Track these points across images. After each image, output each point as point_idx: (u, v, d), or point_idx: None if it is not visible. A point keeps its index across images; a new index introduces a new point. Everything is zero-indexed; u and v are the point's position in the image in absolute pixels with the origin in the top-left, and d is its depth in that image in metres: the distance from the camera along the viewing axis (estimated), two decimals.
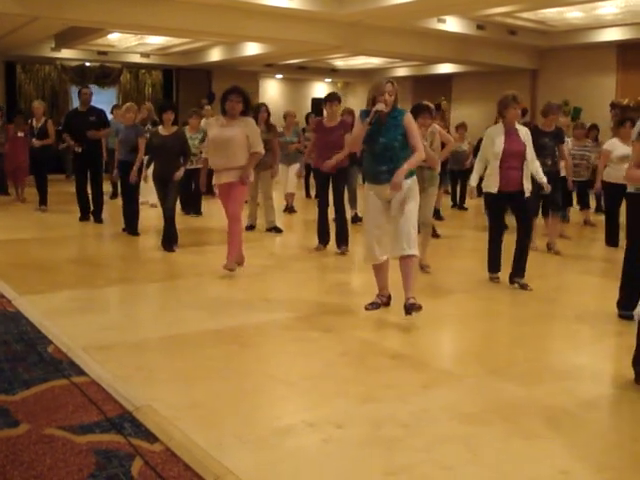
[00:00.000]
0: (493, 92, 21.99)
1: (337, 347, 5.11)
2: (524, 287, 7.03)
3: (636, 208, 5.79)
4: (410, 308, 5.66)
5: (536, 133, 7.82)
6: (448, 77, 23.94)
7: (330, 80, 28.56)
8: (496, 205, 7.12)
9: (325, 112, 8.93)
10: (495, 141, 6.93)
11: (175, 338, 5.27)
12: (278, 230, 10.41)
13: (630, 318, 5.56)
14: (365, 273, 6.67)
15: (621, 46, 19.04)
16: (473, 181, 7.32)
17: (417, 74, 24.86)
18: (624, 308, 5.87)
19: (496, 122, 11.49)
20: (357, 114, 5.90)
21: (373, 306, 6.02)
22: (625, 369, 5.02)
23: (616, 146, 9.71)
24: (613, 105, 18.86)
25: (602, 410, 4.14)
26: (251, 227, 10.41)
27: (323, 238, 9.06)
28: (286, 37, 16.66)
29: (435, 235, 9.56)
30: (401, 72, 25.33)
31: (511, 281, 7.15)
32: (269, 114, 10.38)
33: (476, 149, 11.11)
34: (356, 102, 27.81)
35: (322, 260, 8.67)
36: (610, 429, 3.85)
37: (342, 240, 8.85)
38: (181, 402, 4.02)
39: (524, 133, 7.04)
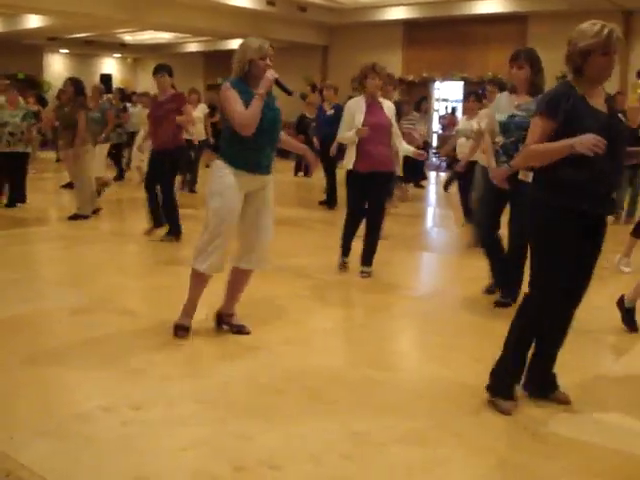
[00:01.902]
0: (285, 68, 22.37)
1: (133, 328, 4.99)
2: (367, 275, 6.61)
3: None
4: (242, 330, 4.88)
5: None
6: None
7: (119, 55, 27.74)
8: (361, 185, 6.50)
9: (156, 85, 8.30)
10: (355, 114, 6.41)
11: None
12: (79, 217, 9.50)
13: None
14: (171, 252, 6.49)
15: (406, 24, 19.93)
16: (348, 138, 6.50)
17: (208, 50, 24.68)
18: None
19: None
20: (226, 85, 4.57)
21: (183, 330, 4.80)
22: (418, 331, 5.28)
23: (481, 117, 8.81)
24: (401, 81, 19.74)
25: (393, 371, 4.33)
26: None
27: (158, 220, 8.24)
28: (69, 9, 15.96)
29: None
30: (192, 48, 25.09)
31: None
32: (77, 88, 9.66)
33: None
34: (148, 79, 27.23)
35: (122, 241, 8.43)
36: (399, 390, 4.02)
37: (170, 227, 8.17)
38: None
39: (387, 106, 6.58)
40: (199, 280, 4.71)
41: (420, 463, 3.17)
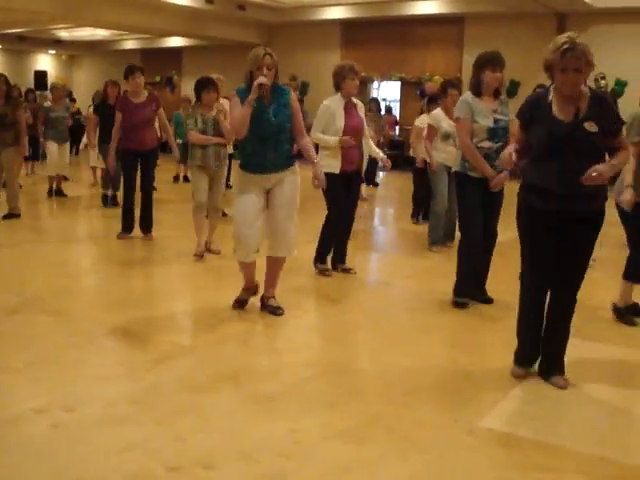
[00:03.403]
0: (225, 66, 22.22)
1: (66, 329, 4.89)
2: (348, 271, 6.72)
3: (463, 188, 5.56)
4: (276, 311, 5.33)
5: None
6: (178, 51, 23.76)
7: (54, 52, 27.23)
8: (339, 186, 6.37)
9: (129, 87, 8.00)
10: (336, 115, 6.30)
11: None
12: (14, 215, 9.21)
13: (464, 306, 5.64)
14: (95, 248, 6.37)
15: (344, 24, 20.03)
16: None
17: (146, 47, 24.43)
18: (458, 294, 5.70)
19: None
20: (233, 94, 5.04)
21: (239, 304, 5.42)
22: (354, 328, 5.30)
23: (441, 119, 7.80)
24: None
25: (327, 369, 4.34)
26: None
27: (129, 226, 8.19)
28: (4, 4, 15.58)
29: (224, 215, 8.60)
30: (129, 45, 24.80)
31: (334, 266, 6.73)
32: (9, 85, 9.32)
33: None
34: (83, 76, 26.83)
35: (66, 241, 8.27)
36: (334, 387, 4.03)
37: (149, 224, 8.17)
38: None
39: (360, 107, 6.52)
40: (242, 266, 5.36)
41: (356, 460, 3.18)
